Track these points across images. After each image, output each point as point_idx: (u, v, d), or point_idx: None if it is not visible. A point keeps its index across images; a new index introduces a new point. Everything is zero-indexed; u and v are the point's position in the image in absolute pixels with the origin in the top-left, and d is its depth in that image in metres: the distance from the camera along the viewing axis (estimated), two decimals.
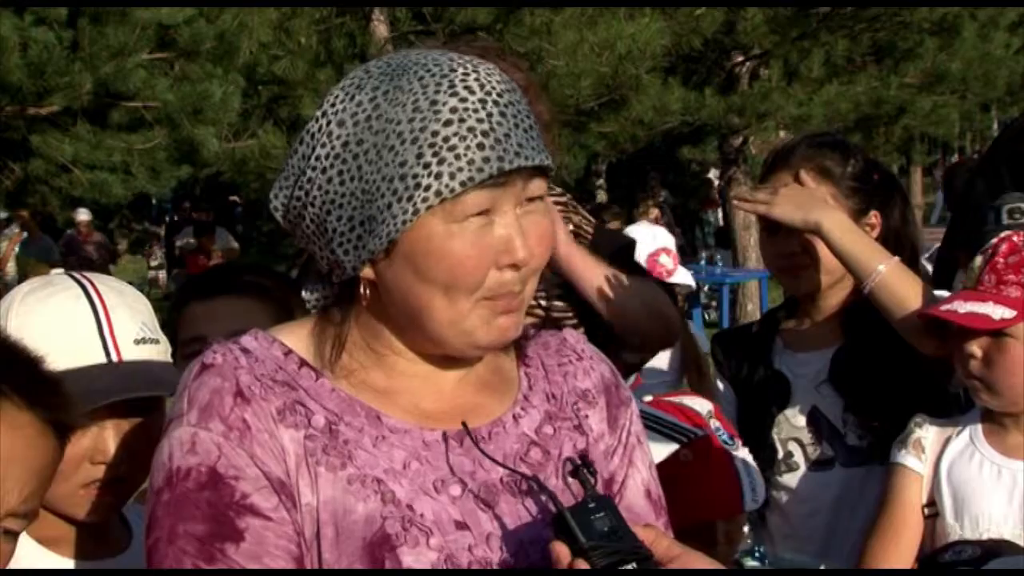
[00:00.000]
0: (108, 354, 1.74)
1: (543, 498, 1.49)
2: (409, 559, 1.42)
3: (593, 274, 2.54)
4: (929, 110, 14.02)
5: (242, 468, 1.41)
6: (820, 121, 12.84)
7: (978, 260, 2.34)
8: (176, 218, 21.39)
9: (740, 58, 13.54)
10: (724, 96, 12.88)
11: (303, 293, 1.54)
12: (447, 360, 1.52)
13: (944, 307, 2.31)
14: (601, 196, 24.39)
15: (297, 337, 1.52)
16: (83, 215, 16.63)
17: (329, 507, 1.43)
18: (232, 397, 1.43)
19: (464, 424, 1.50)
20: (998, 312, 2.25)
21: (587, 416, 1.59)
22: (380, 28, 11.49)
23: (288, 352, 1.50)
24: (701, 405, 2.29)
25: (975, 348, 2.30)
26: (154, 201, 22.88)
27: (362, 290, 1.48)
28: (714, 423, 2.26)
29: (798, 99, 12.73)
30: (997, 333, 2.28)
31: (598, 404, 1.61)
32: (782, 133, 14.33)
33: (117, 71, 9.38)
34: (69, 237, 17.14)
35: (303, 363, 1.49)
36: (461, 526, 1.45)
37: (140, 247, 22.18)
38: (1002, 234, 2.36)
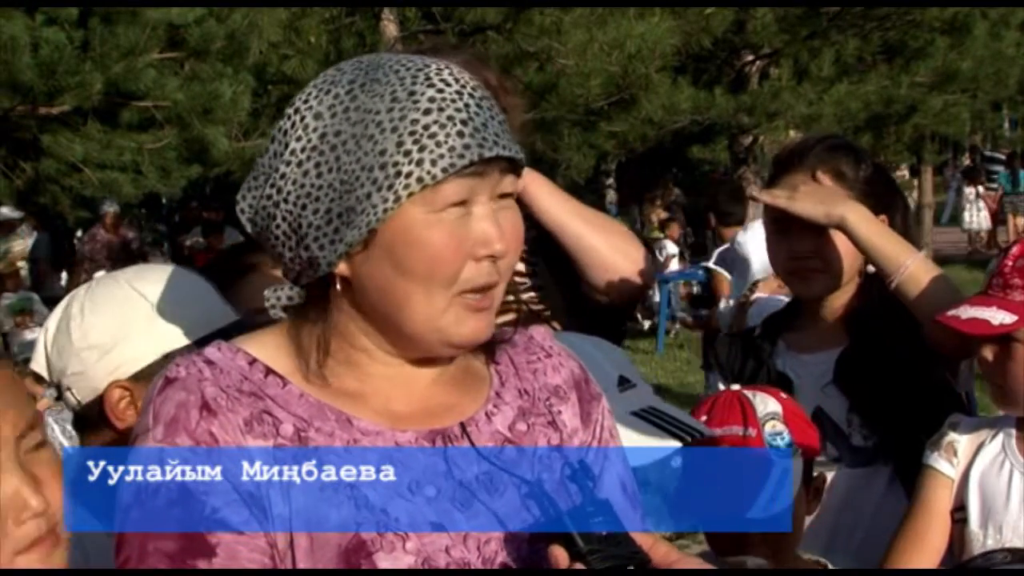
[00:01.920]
0: (236, 313, 1.93)
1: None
2: (385, 564, 1.41)
3: (557, 204, 2.48)
4: (940, 109, 13.99)
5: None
6: (830, 120, 12.83)
7: (992, 263, 2.32)
8: (181, 218, 21.35)
9: (750, 57, 13.53)
10: (734, 95, 12.87)
11: (265, 293, 1.51)
12: (418, 361, 1.52)
13: (951, 312, 2.29)
14: (610, 195, 24.37)
15: (261, 345, 1.51)
16: (110, 207, 14.35)
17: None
18: (198, 411, 1.42)
19: (462, 424, 1.50)
20: (998, 317, 2.22)
21: (560, 412, 1.59)
22: (390, 27, 11.50)
23: (253, 361, 1.48)
24: (766, 405, 2.25)
25: (987, 352, 2.28)
26: (164, 200, 22.90)
27: (337, 287, 1.46)
28: (774, 426, 2.23)
29: (808, 98, 12.72)
30: (1005, 338, 2.25)
31: (570, 400, 1.61)
32: (792, 132, 14.31)
33: (127, 71, 9.39)
34: (93, 240, 14.76)
35: (269, 371, 1.48)
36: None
37: (152, 247, 22.21)
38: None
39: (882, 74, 13.45)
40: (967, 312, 2.26)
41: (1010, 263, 2.26)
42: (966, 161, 27.48)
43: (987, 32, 13.75)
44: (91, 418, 1.86)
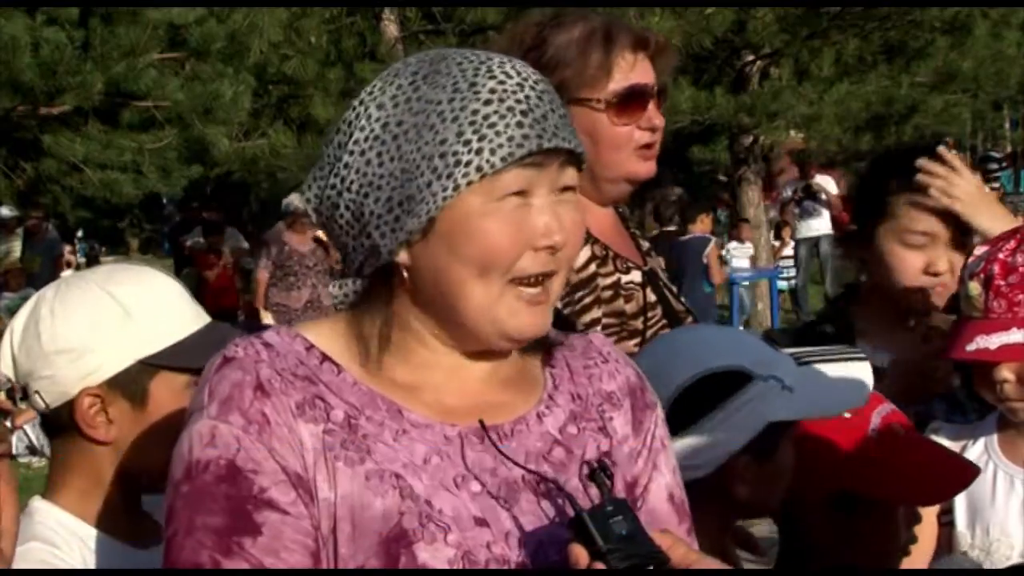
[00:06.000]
0: (206, 315, 1.88)
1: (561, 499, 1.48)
2: (425, 555, 1.41)
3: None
4: (940, 109, 14.00)
5: (261, 462, 1.42)
6: (831, 120, 12.84)
7: (974, 287, 2.28)
8: (180, 218, 21.38)
9: (750, 57, 13.53)
10: (734, 95, 12.88)
11: (331, 288, 1.54)
12: (473, 355, 1.52)
13: (970, 347, 2.24)
14: None
15: (320, 333, 1.52)
16: (297, 200, 10.70)
17: (347, 502, 1.43)
18: (252, 391, 1.44)
19: (481, 422, 1.50)
20: None
21: (612, 418, 1.59)
22: (390, 28, 11.52)
23: (310, 347, 1.50)
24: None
25: (1006, 373, 2.25)
26: (164, 200, 22.92)
27: (398, 275, 1.48)
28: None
29: (809, 98, 12.72)
30: None
31: (623, 407, 1.60)
32: (792, 132, 14.32)
33: (128, 71, 9.41)
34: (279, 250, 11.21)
35: (325, 358, 1.49)
36: (480, 523, 1.44)
37: (150, 247, 22.21)
38: (979, 253, 2.30)
39: (883, 74, 13.46)
40: (989, 341, 2.22)
41: (1002, 282, 2.24)
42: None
43: (988, 32, 13.75)
44: (60, 422, 1.80)
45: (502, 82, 1.45)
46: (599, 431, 1.57)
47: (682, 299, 2.55)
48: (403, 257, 1.47)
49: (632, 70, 2.34)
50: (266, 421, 1.43)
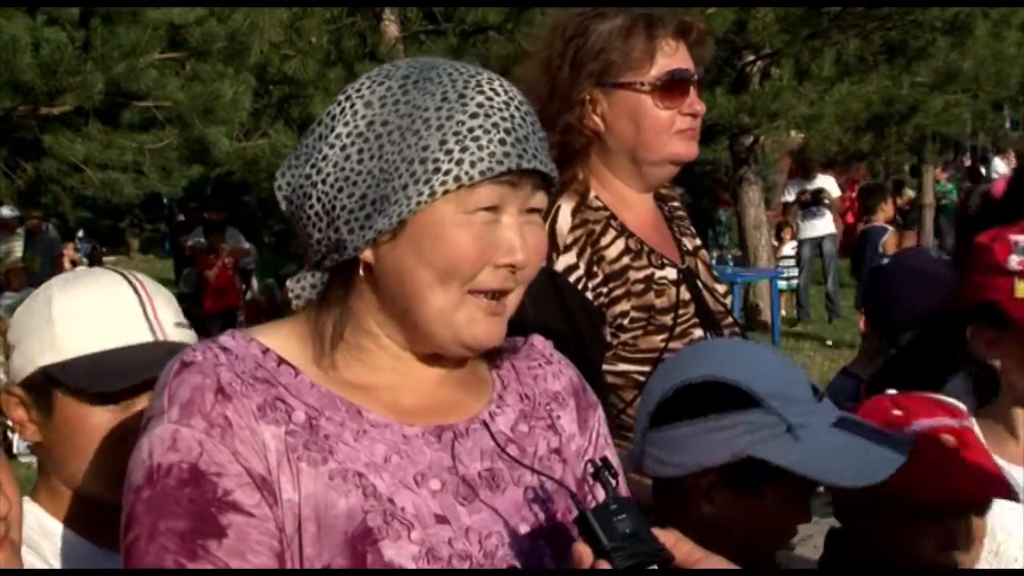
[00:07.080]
0: (155, 333, 1.78)
1: (521, 494, 1.52)
2: (391, 552, 1.44)
3: None
4: (941, 109, 14.00)
5: (224, 465, 1.42)
6: (831, 120, 12.83)
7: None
8: (184, 218, 21.40)
9: (751, 57, 13.54)
10: (735, 95, 12.88)
11: (288, 283, 1.55)
12: (427, 359, 1.55)
13: None
14: None
15: (274, 336, 1.54)
16: None
17: (311, 502, 1.44)
18: (213, 394, 1.45)
19: (489, 414, 1.54)
20: None
21: (559, 417, 1.63)
22: (391, 28, 11.52)
23: (266, 350, 1.51)
24: (959, 403, 2.14)
25: None
26: (165, 201, 22.92)
27: (360, 272, 1.50)
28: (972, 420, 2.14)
29: (809, 98, 12.72)
30: None
31: (569, 406, 1.65)
32: (793, 132, 14.32)
33: (129, 71, 9.41)
34: None
35: (281, 361, 1.51)
36: (441, 520, 1.48)
37: (151, 247, 22.21)
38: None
39: (883, 74, 13.45)
40: None
41: None
42: (967, 162, 27.50)
43: (988, 32, 13.75)
44: None
45: (490, 98, 1.48)
46: (548, 429, 1.61)
47: (725, 301, 2.56)
48: (367, 255, 1.49)
49: (674, 55, 2.42)
50: (228, 424, 1.44)
